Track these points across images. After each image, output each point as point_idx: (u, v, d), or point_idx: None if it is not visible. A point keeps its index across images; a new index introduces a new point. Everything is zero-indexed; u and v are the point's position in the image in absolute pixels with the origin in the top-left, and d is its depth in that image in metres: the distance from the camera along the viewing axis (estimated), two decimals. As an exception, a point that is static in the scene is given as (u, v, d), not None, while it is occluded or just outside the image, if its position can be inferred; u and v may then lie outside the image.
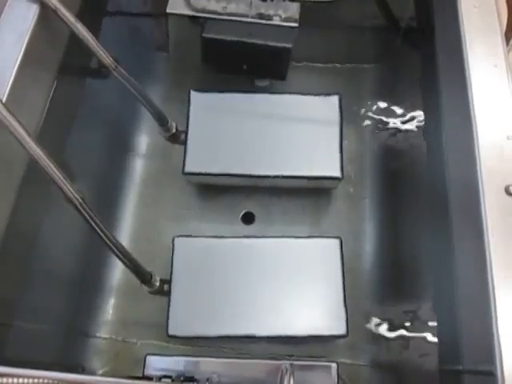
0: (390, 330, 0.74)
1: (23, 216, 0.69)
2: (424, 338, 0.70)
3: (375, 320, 0.75)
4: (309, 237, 0.74)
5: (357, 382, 0.72)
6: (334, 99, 0.80)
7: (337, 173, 0.75)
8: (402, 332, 0.73)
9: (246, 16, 0.79)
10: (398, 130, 0.88)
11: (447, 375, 0.57)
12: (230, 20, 0.79)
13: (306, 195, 0.83)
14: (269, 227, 0.82)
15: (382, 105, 0.90)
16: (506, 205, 0.50)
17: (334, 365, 0.58)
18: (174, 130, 0.78)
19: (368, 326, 0.75)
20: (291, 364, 0.51)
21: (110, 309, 0.78)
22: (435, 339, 0.66)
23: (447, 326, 0.59)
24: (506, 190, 0.51)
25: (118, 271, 0.79)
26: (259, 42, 0.78)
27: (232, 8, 0.79)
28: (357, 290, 0.76)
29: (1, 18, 0.65)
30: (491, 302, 0.47)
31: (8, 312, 0.67)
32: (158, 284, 0.66)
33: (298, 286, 0.69)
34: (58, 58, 0.73)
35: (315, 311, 0.68)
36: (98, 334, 0.76)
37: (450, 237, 0.57)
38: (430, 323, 0.71)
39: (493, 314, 0.46)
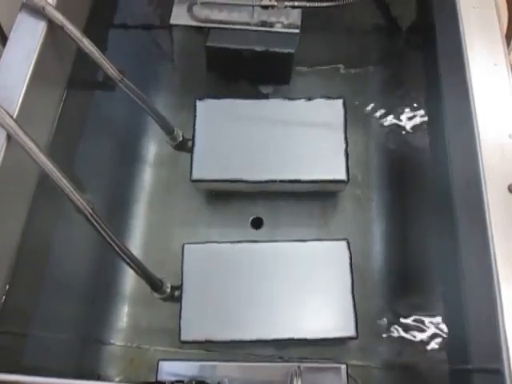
0: (401, 330, 0.74)
1: (37, 227, 0.70)
2: (434, 338, 0.71)
3: (385, 321, 0.75)
4: (317, 240, 0.74)
5: (369, 384, 0.72)
6: (338, 103, 0.81)
7: (342, 176, 0.76)
8: (412, 332, 0.73)
9: (249, 24, 0.80)
10: (402, 130, 0.88)
11: (457, 374, 0.57)
12: (233, 28, 0.80)
13: (313, 198, 0.83)
14: (277, 231, 0.82)
15: (386, 106, 0.90)
16: (508, 203, 0.50)
17: (343, 366, 0.59)
18: (180, 139, 0.79)
19: (378, 327, 0.75)
20: (299, 366, 0.52)
21: (124, 316, 0.79)
22: (446, 339, 0.66)
23: (456, 326, 0.59)
24: (509, 188, 0.51)
25: (131, 279, 0.80)
26: (262, 48, 0.79)
27: (234, 17, 0.80)
28: (366, 292, 0.76)
29: (10, 35, 0.67)
30: (497, 300, 0.47)
31: (24, 321, 0.69)
32: (168, 291, 0.67)
33: (306, 289, 0.69)
34: (67, 73, 0.75)
35: (325, 313, 0.68)
36: (112, 342, 0.77)
37: (456, 236, 0.57)
38: (441, 323, 0.71)
39: (499, 312, 0.47)
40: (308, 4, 0.78)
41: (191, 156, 0.77)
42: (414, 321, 0.74)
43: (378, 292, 0.77)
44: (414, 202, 0.82)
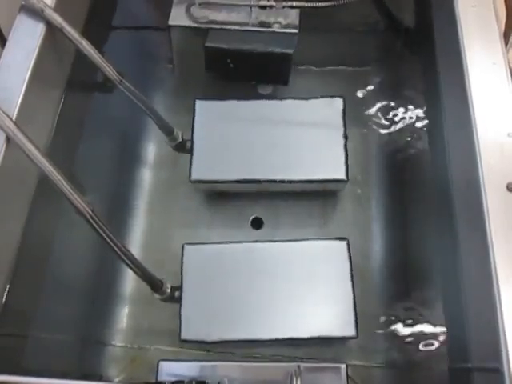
0: (400, 329, 0.74)
1: (36, 227, 0.70)
2: (434, 337, 0.71)
3: (385, 320, 0.75)
4: (316, 239, 0.74)
5: (370, 384, 0.73)
6: (338, 102, 0.81)
7: (342, 175, 0.76)
8: (412, 332, 0.73)
9: (247, 24, 0.80)
10: (401, 130, 0.88)
11: (457, 373, 0.57)
12: (232, 29, 0.80)
13: (313, 198, 0.84)
14: (277, 231, 0.82)
15: (385, 106, 0.90)
16: (507, 202, 0.50)
17: (343, 366, 0.59)
18: (180, 139, 0.79)
19: (378, 326, 0.75)
20: (299, 366, 0.52)
21: (124, 317, 0.79)
22: (445, 338, 0.66)
23: (455, 326, 0.59)
24: (508, 187, 0.51)
25: (131, 279, 0.80)
26: (261, 49, 0.79)
27: (233, 17, 0.81)
28: (366, 291, 0.76)
29: (9, 36, 0.67)
30: (496, 300, 0.47)
31: (24, 322, 0.69)
32: (169, 291, 0.67)
33: (306, 289, 0.70)
34: (65, 74, 0.75)
35: (325, 313, 0.68)
36: (113, 342, 0.77)
37: (455, 235, 0.57)
38: (441, 322, 0.71)
39: (498, 312, 0.47)
40: (306, 4, 0.78)
41: (190, 156, 0.78)
42: (414, 320, 0.74)
43: (378, 292, 0.77)
44: (413, 201, 0.82)
